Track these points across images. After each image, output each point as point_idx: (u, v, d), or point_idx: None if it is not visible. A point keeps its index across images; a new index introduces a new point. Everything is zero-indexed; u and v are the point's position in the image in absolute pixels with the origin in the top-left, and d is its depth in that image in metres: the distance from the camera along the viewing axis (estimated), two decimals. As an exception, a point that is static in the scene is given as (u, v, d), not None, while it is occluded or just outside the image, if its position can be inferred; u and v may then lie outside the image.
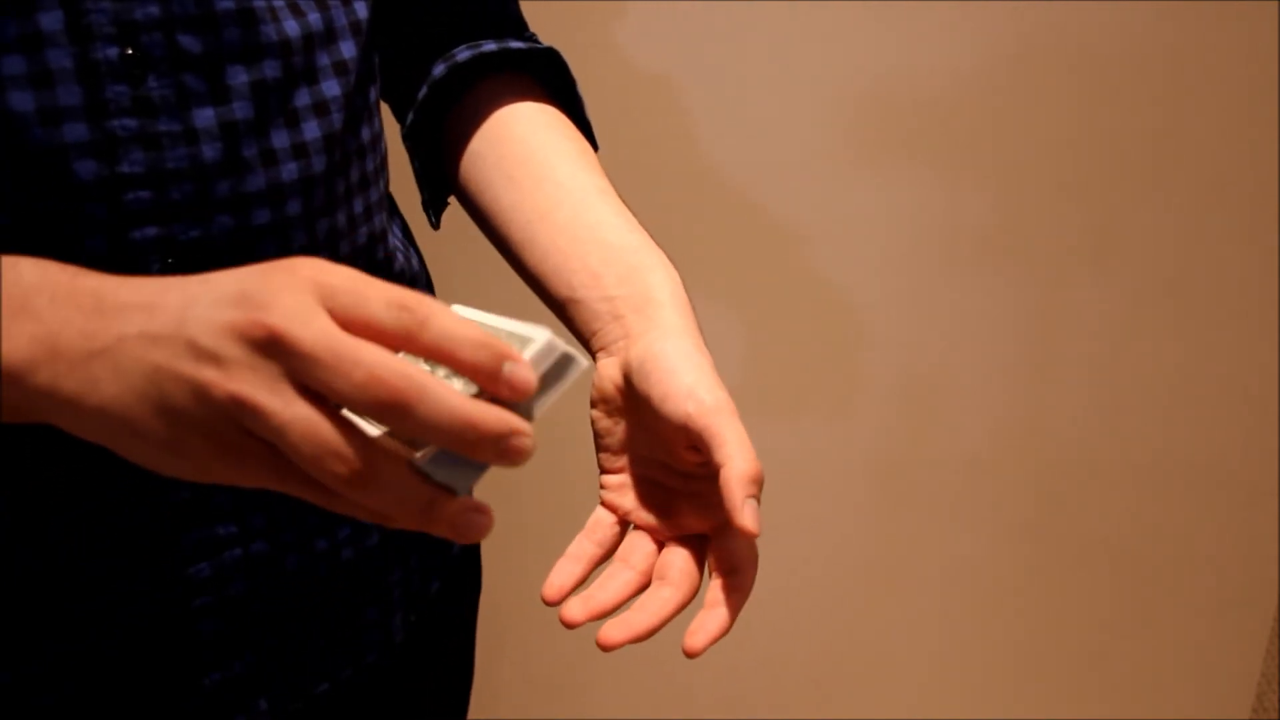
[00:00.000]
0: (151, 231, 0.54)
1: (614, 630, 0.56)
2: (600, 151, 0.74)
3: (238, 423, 0.41)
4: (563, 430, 1.52)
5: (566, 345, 0.45)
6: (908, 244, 1.41)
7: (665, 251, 0.66)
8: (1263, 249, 1.41)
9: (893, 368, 1.46)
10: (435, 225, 0.79)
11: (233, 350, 0.41)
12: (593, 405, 0.64)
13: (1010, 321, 1.44)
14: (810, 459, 1.50)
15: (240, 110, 0.56)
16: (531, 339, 0.45)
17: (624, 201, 0.69)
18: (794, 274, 1.41)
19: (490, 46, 0.73)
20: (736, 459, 0.55)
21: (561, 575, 0.61)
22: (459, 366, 0.42)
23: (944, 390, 1.47)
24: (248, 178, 0.56)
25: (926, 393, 1.47)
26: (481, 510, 0.43)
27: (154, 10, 0.52)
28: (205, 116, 0.54)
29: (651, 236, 0.67)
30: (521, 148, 0.70)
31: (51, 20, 0.50)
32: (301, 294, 0.42)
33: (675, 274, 0.64)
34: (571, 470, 1.53)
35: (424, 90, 0.73)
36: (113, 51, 0.52)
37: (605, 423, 0.64)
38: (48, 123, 0.50)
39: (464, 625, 0.83)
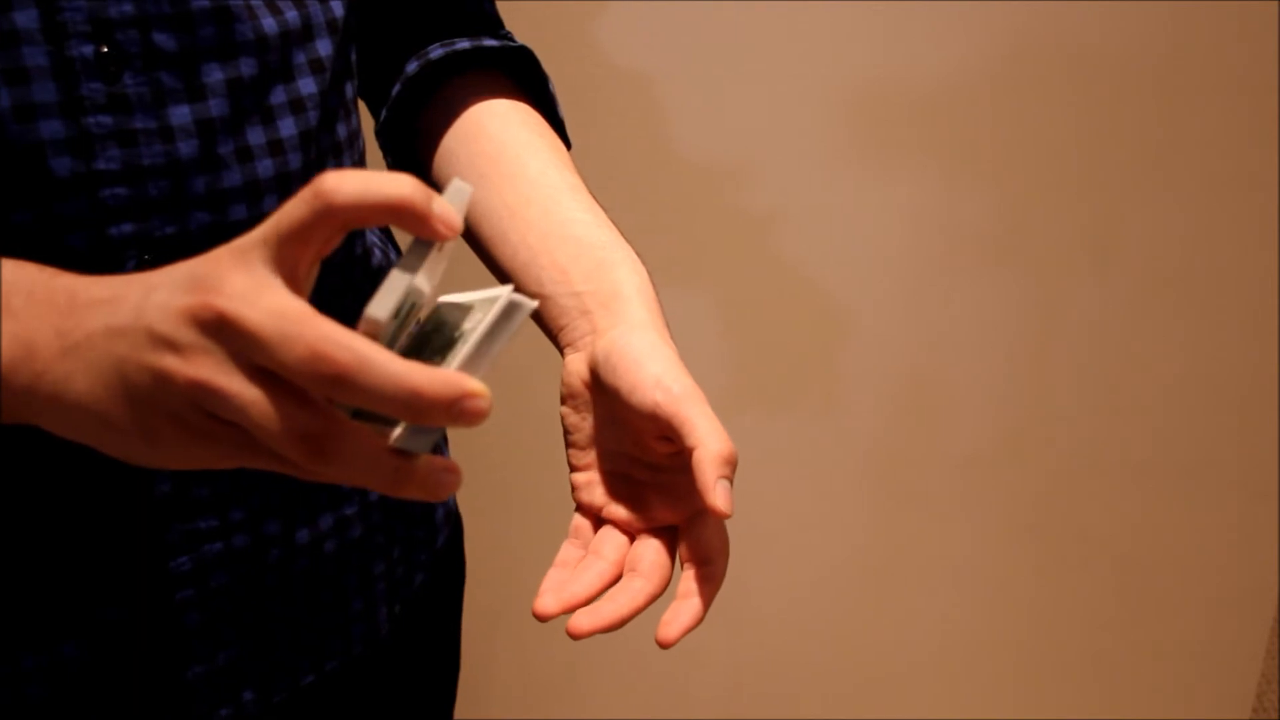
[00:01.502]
0: (128, 228, 0.54)
1: (583, 619, 0.56)
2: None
3: (201, 407, 0.42)
4: (553, 425, 1.52)
5: (520, 295, 0.45)
6: (907, 243, 1.41)
7: (653, 251, 0.66)
8: (1263, 249, 1.40)
9: (892, 367, 1.46)
10: None
11: (188, 335, 0.41)
12: (562, 402, 0.64)
13: (1009, 320, 1.44)
14: (809, 458, 1.50)
15: (216, 108, 0.56)
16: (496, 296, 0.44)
17: (595, 199, 0.69)
18: (791, 274, 1.41)
19: (464, 44, 0.74)
20: (708, 441, 0.55)
21: (553, 584, 0.60)
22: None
23: (943, 389, 1.47)
24: (224, 174, 0.57)
25: (925, 392, 1.47)
26: (450, 469, 0.43)
27: (128, 8, 0.53)
28: (181, 114, 0.55)
29: (624, 233, 0.67)
30: (493, 145, 0.71)
31: (26, 18, 0.51)
32: (252, 271, 0.42)
33: (643, 270, 0.65)
34: (562, 468, 1.53)
35: (397, 87, 0.74)
36: (88, 49, 0.52)
37: (574, 418, 0.64)
38: (23, 119, 0.51)
39: (449, 618, 0.84)
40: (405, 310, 0.44)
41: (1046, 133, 1.36)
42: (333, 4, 0.62)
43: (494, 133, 0.71)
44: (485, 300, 0.45)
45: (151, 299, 0.43)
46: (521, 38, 0.78)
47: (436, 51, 0.73)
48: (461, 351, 0.43)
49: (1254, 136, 1.36)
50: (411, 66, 0.73)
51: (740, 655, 1.60)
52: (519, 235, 0.67)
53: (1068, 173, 1.38)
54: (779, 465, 1.49)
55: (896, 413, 1.48)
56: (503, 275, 0.69)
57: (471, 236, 0.71)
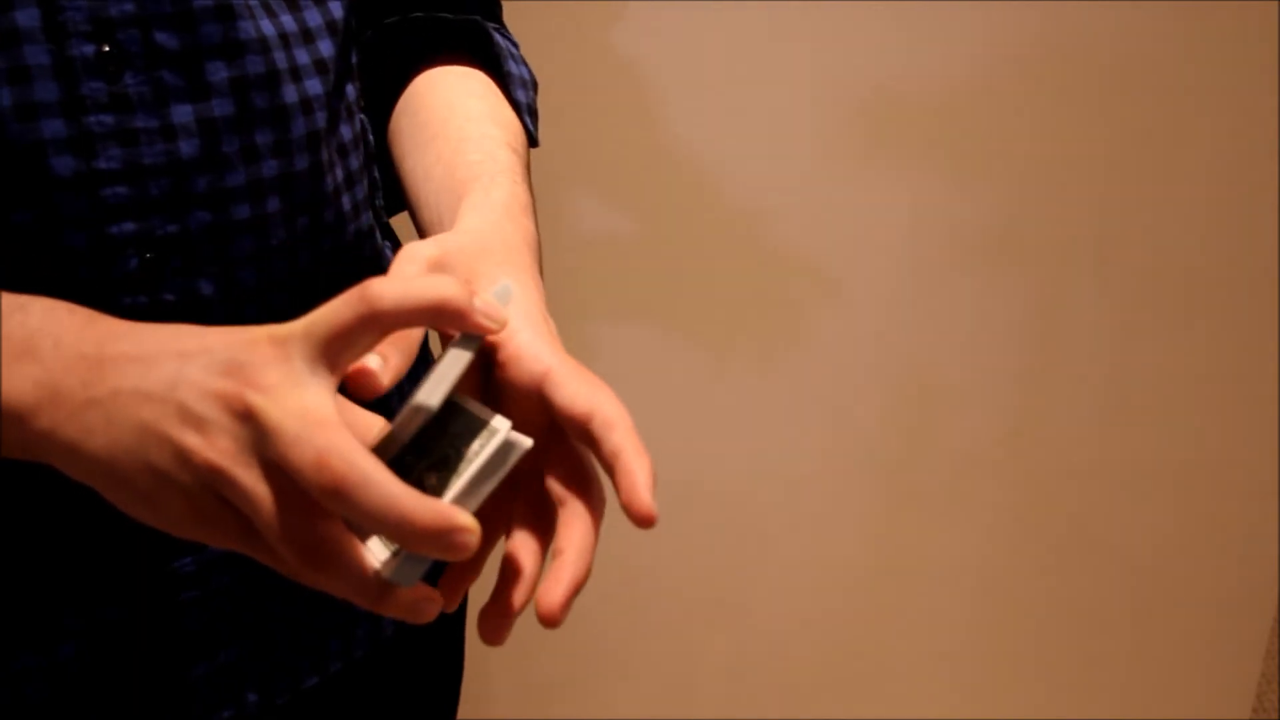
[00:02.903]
0: (129, 226, 0.54)
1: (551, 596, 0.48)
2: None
3: (214, 490, 0.43)
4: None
5: (517, 435, 0.45)
6: (909, 244, 1.41)
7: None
8: (1263, 250, 1.40)
9: (892, 366, 1.46)
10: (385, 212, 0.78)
11: (217, 418, 0.42)
12: None
13: (1010, 320, 1.44)
14: (811, 459, 1.50)
15: (220, 107, 0.56)
16: (495, 429, 0.45)
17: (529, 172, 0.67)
18: (793, 274, 1.41)
19: (417, 15, 0.73)
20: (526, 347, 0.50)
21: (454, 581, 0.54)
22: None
23: (945, 390, 1.47)
24: (227, 174, 0.57)
25: (927, 393, 1.47)
26: (431, 598, 0.44)
27: (129, 7, 0.53)
28: (183, 112, 0.55)
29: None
30: (428, 112, 0.70)
31: (28, 17, 0.51)
32: (288, 363, 0.43)
33: (516, 190, 0.62)
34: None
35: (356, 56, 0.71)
36: (89, 48, 0.52)
37: None
38: (24, 118, 0.51)
39: (454, 620, 0.83)
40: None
41: (1047, 133, 1.36)
42: (331, 5, 0.62)
43: (430, 101, 0.70)
44: (486, 426, 0.46)
45: (186, 372, 0.43)
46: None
47: (391, 19, 0.72)
48: (456, 485, 0.44)
49: (1254, 136, 1.36)
50: (369, 35, 0.72)
51: (740, 655, 1.60)
52: (430, 195, 0.66)
53: (1068, 173, 1.38)
54: (779, 465, 1.49)
55: (897, 412, 1.48)
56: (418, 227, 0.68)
57: (408, 207, 0.70)
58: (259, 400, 0.42)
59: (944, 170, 1.38)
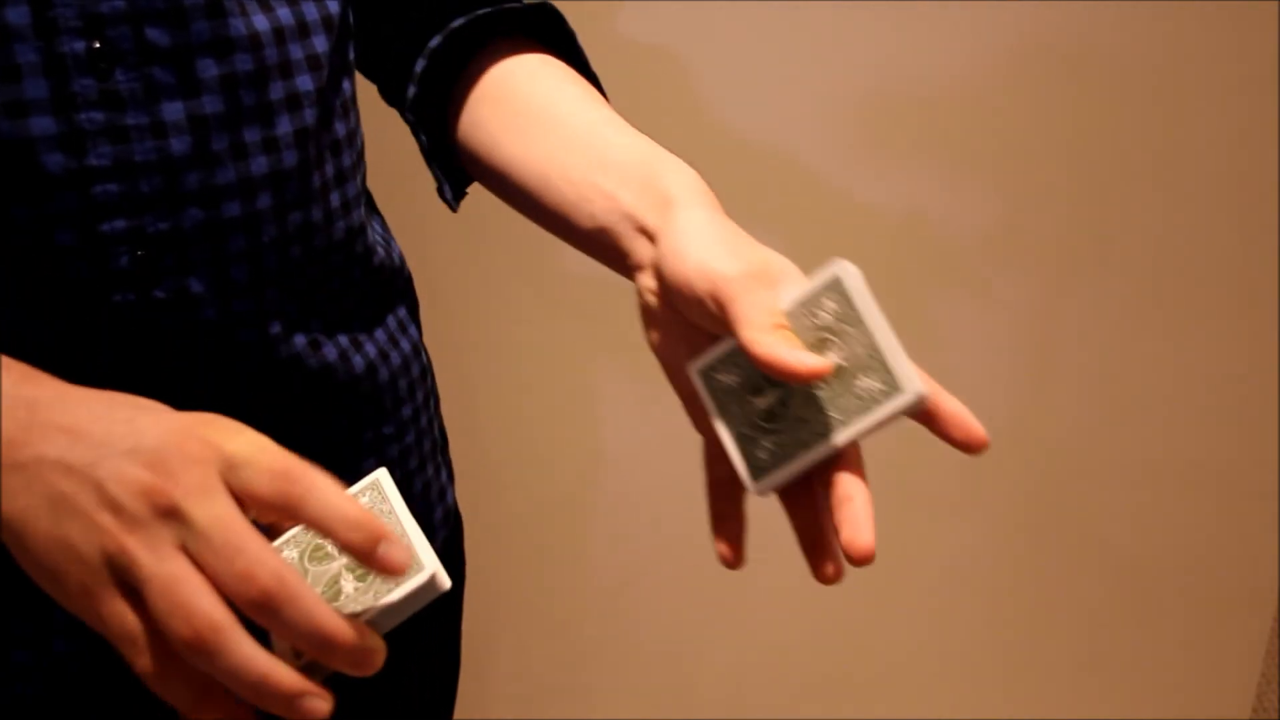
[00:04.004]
0: (120, 224, 0.54)
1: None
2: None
3: (117, 569, 0.43)
4: (553, 426, 1.52)
5: (442, 575, 0.49)
6: (908, 244, 1.41)
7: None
8: (1263, 249, 1.40)
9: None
10: (453, 207, 0.77)
11: (136, 507, 0.43)
12: (646, 330, 0.61)
13: (1009, 320, 1.44)
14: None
15: (210, 104, 0.56)
16: (422, 565, 0.49)
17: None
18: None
19: (485, 10, 0.72)
20: (746, 316, 0.53)
21: (728, 536, 0.61)
22: (336, 540, 0.45)
23: (943, 388, 1.47)
24: (217, 171, 0.57)
25: (924, 392, 1.47)
26: (320, 695, 0.45)
27: (120, 4, 0.53)
28: (174, 110, 0.55)
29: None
30: (523, 99, 0.69)
31: (18, 14, 0.51)
32: (208, 469, 0.44)
33: (692, 171, 0.62)
34: (560, 467, 1.53)
35: (423, 62, 0.71)
36: (79, 45, 0.52)
37: (661, 342, 0.61)
38: (14, 116, 0.51)
39: (448, 617, 0.83)
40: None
41: (1047, 133, 1.36)
42: (328, 1, 0.62)
43: (522, 88, 0.69)
44: (416, 560, 0.49)
45: (110, 453, 0.44)
46: None
47: (458, 21, 0.71)
48: (375, 609, 0.48)
49: (1254, 136, 1.36)
50: (435, 41, 0.71)
51: (741, 655, 1.59)
52: (562, 176, 0.64)
53: (1068, 173, 1.38)
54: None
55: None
56: (557, 223, 0.66)
57: (516, 195, 0.69)
58: (184, 501, 0.43)
59: (943, 170, 1.38)
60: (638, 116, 0.69)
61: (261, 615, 0.43)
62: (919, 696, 1.61)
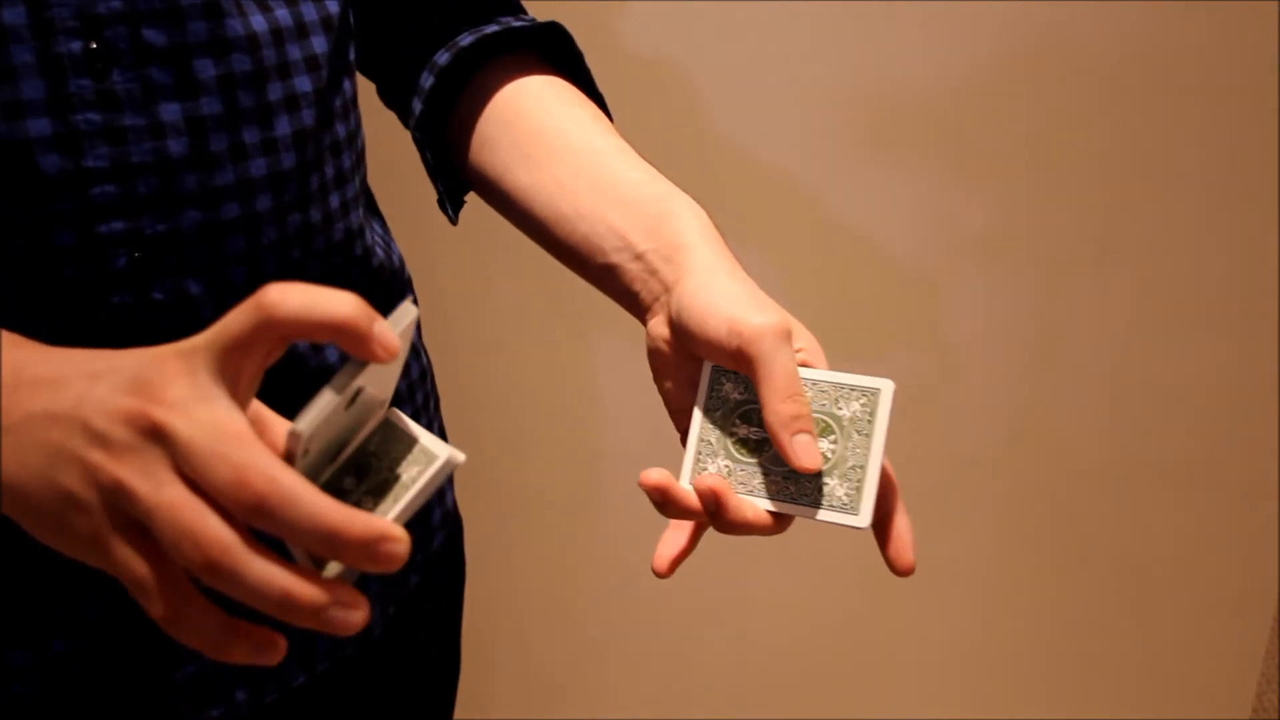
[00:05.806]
0: (118, 226, 0.54)
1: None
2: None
3: (120, 507, 0.42)
4: (554, 427, 1.52)
5: (455, 453, 0.46)
6: (910, 244, 1.41)
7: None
8: (1263, 249, 1.40)
9: (892, 367, 1.46)
10: (453, 220, 0.78)
11: (122, 434, 0.41)
12: (657, 379, 0.63)
13: (1010, 320, 1.44)
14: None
15: (208, 105, 0.56)
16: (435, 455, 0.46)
17: (644, 159, 0.68)
18: (794, 274, 1.41)
19: (493, 29, 0.72)
20: (771, 401, 0.55)
21: (668, 546, 0.61)
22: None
23: (945, 391, 1.47)
24: (216, 172, 0.57)
25: (928, 394, 1.47)
26: (349, 603, 0.42)
27: (117, 4, 0.53)
28: (171, 111, 0.55)
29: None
30: (532, 124, 0.69)
31: (14, 15, 0.50)
32: (193, 378, 0.42)
33: (702, 212, 0.63)
34: (560, 467, 1.53)
35: (430, 79, 0.72)
36: (76, 46, 0.52)
37: (667, 385, 0.63)
38: (10, 117, 0.51)
39: (447, 619, 0.83)
40: (353, 398, 0.45)
41: (1047, 133, 1.36)
42: (327, 2, 0.62)
43: (531, 111, 0.70)
44: (426, 452, 0.47)
45: (94, 391, 0.43)
46: None
47: (466, 39, 0.72)
48: (394, 510, 0.45)
49: (1254, 136, 1.36)
50: (442, 57, 0.72)
51: (740, 655, 1.59)
52: (573, 208, 0.65)
53: (1068, 173, 1.38)
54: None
55: (897, 412, 1.47)
56: (566, 254, 0.67)
57: (526, 222, 0.70)
58: (165, 416, 0.41)
59: (945, 170, 1.38)
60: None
61: (261, 521, 0.40)
62: (919, 696, 1.61)
